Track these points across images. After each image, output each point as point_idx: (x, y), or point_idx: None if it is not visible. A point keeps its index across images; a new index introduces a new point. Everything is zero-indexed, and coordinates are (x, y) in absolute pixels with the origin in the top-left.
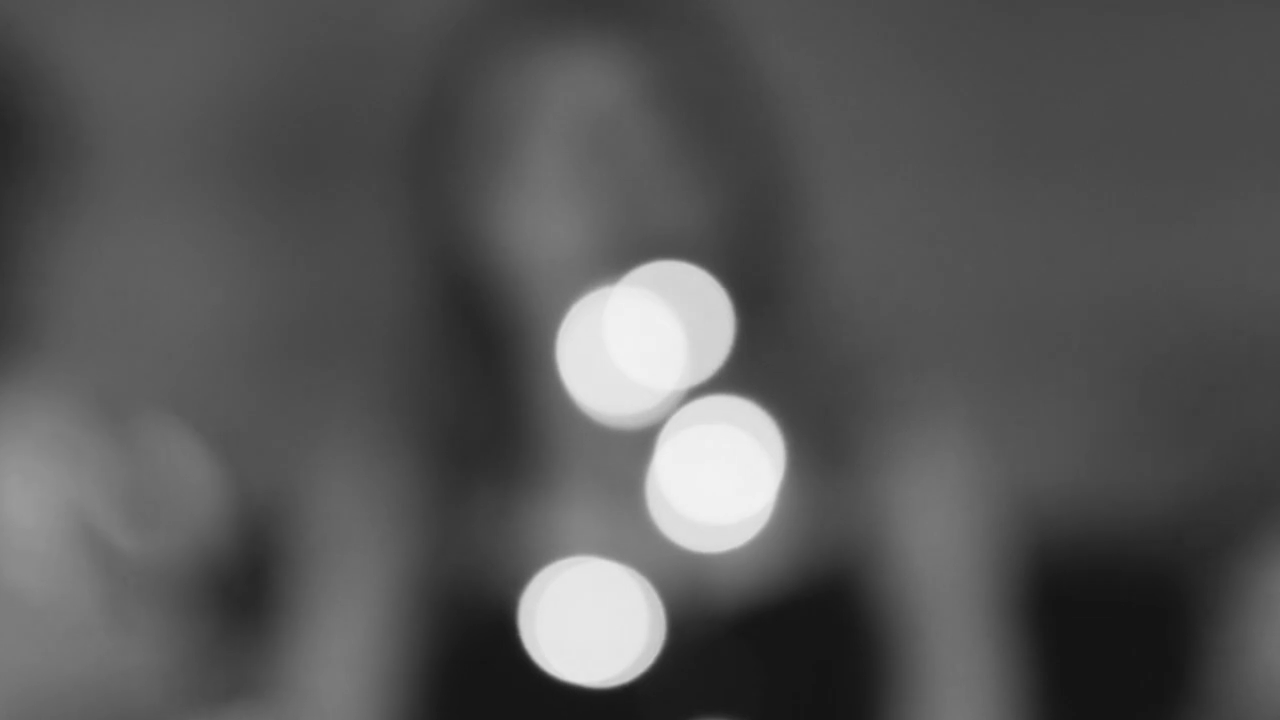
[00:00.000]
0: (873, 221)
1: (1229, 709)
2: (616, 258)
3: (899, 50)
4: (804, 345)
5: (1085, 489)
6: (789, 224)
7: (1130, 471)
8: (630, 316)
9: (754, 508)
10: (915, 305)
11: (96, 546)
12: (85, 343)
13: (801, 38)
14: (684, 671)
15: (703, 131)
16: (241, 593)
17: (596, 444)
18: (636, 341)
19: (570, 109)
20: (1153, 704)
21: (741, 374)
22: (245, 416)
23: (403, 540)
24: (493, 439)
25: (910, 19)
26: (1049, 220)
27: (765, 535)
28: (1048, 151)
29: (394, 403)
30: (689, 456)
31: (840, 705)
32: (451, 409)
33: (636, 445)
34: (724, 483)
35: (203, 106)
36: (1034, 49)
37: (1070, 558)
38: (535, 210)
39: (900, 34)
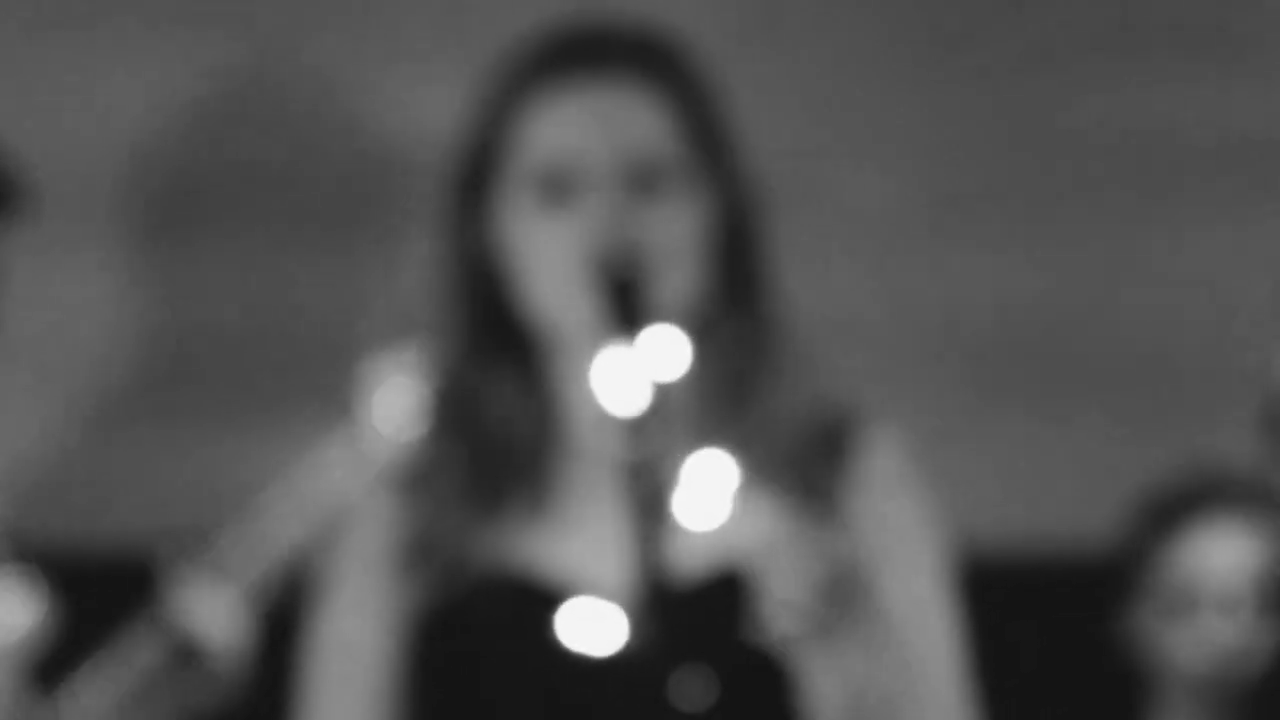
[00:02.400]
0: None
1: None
2: (623, 326)
3: (858, 95)
4: (764, 393)
5: (1015, 500)
6: (758, 283)
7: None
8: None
9: (720, 509)
10: (863, 339)
11: None
12: None
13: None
14: (661, 645)
15: (699, 183)
16: None
17: (601, 445)
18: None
19: (593, 160)
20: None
21: (716, 430)
22: (133, 421)
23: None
24: (516, 442)
25: (865, 71)
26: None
27: (733, 533)
28: (995, 203)
29: (427, 414)
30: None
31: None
32: (479, 417)
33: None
34: (698, 494)
35: (106, 158)
36: (987, 100)
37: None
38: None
39: (861, 80)
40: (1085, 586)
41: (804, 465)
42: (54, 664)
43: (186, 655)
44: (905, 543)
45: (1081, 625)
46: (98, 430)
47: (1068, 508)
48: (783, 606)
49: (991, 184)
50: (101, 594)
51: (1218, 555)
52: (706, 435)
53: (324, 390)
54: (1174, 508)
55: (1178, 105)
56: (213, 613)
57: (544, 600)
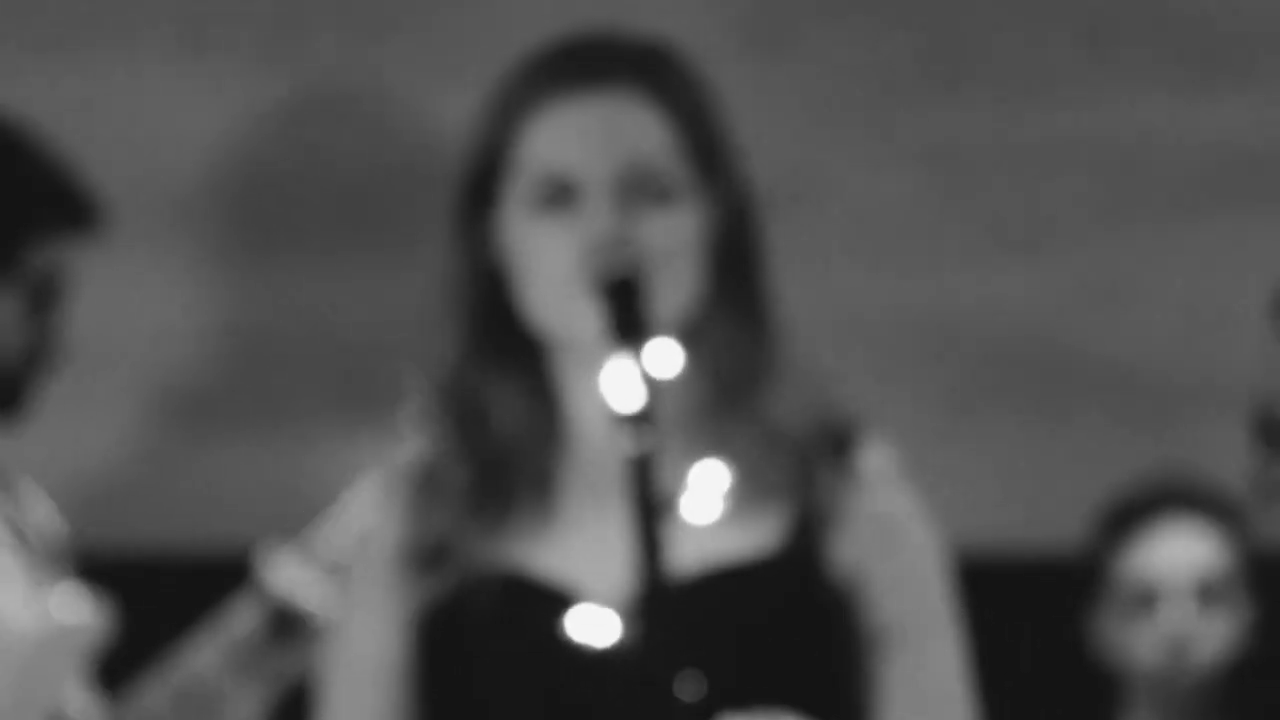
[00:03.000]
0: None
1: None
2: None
3: (858, 97)
4: (765, 395)
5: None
6: (756, 300)
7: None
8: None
9: (711, 508)
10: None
11: None
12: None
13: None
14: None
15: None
16: None
17: (602, 447)
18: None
19: (593, 173)
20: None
21: (717, 431)
22: (206, 426)
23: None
24: (520, 443)
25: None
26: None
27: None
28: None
29: (432, 413)
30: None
31: (799, 659)
32: (483, 419)
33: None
34: (698, 493)
35: (181, 170)
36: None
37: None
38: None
39: (861, 84)
40: (1076, 587)
41: (806, 467)
42: (122, 665)
43: (285, 622)
44: (909, 548)
45: (1070, 626)
46: (170, 435)
47: (1064, 508)
48: None
49: (989, 188)
50: (173, 594)
51: (1171, 555)
52: (708, 436)
53: (394, 396)
54: (1129, 510)
55: (1168, 117)
56: (305, 584)
57: (546, 598)
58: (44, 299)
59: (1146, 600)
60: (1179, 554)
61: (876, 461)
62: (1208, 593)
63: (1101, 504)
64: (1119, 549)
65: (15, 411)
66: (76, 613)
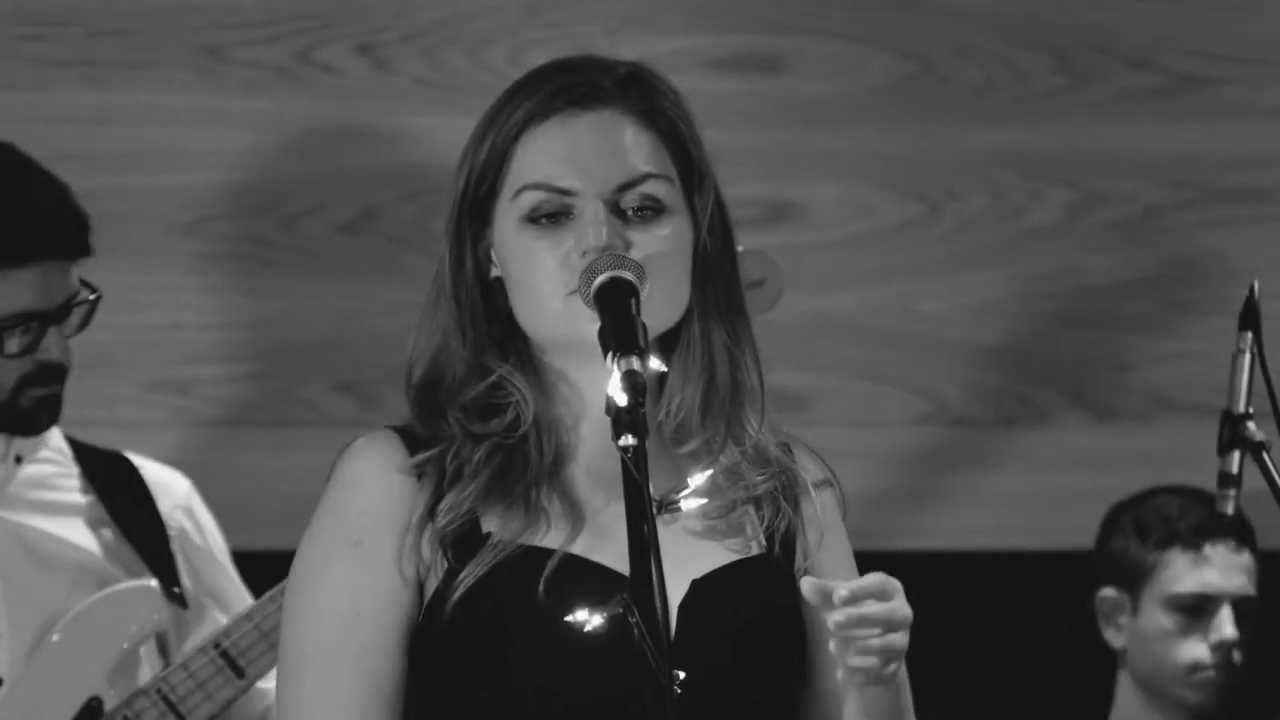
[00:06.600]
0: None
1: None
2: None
3: (831, 114)
4: (745, 398)
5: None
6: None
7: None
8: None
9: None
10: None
11: None
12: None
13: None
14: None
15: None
16: None
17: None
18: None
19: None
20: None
21: (706, 430)
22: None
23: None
24: (523, 439)
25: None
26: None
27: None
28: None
29: (429, 400)
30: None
31: (787, 650)
32: (488, 416)
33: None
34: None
35: (201, 192)
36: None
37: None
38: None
39: (839, 103)
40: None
41: (781, 475)
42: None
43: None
44: (846, 556)
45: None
46: (192, 439)
47: (1058, 506)
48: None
49: (962, 200)
50: None
51: (1221, 571)
52: (696, 442)
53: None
54: (1182, 525)
55: (1131, 133)
56: None
57: (592, 579)
58: (31, 334)
59: (1195, 609)
60: (1226, 571)
61: (817, 470)
62: (1245, 608)
63: (1156, 516)
64: (1168, 559)
65: (30, 429)
66: (137, 581)
